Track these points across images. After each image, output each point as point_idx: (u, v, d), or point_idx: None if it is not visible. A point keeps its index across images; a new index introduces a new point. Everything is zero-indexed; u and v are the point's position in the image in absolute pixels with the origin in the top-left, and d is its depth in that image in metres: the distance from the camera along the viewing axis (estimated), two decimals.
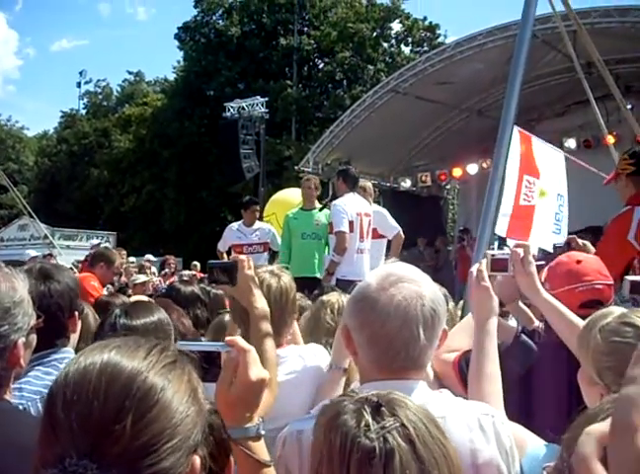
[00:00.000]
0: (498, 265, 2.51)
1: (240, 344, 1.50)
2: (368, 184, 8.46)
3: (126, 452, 1.05)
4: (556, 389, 2.55)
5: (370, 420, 1.35)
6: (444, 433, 1.41)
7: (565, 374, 2.31)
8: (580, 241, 4.85)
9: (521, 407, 2.47)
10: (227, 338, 1.55)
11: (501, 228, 4.49)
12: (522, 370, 2.71)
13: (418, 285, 1.82)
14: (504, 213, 4.48)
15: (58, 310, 2.53)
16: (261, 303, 2.43)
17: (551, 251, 4.89)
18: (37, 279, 2.51)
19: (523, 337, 2.85)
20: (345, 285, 6.97)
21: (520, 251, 2.53)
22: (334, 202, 7.67)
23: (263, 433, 1.51)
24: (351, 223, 7.40)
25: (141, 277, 8.97)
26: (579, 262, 2.85)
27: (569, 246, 4.72)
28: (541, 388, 2.64)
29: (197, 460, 1.18)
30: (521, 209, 4.67)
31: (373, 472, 1.29)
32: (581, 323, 2.30)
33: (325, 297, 3.44)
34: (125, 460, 1.05)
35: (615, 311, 2.03)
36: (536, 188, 4.74)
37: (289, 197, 12.31)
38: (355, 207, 7.49)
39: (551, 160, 4.99)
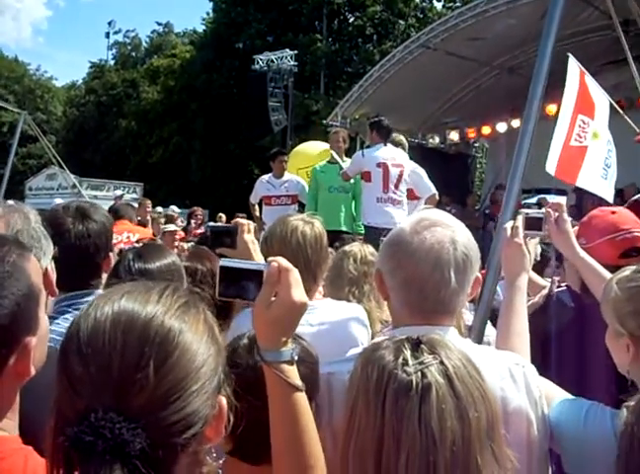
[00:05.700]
0: (532, 224, 2.47)
1: (283, 263, 1.46)
2: (401, 137, 8.23)
3: (152, 401, 1.02)
4: (588, 349, 2.55)
5: (409, 355, 1.36)
6: (483, 376, 1.42)
7: (598, 334, 2.34)
8: (550, 202, 4.80)
9: (553, 365, 2.51)
10: (270, 258, 1.50)
11: (550, 167, 4.42)
12: (556, 329, 2.70)
13: (451, 230, 1.81)
14: (554, 153, 4.40)
15: (96, 251, 2.45)
16: None
17: (610, 201, 4.89)
18: (74, 218, 2.43)
19: (558, 295, 2.84)
20: (371, 232, 7.02)
21: (554, 212, 2.50)
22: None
23: (296, 358, 1.48)
24: (367, 173, 7.36)
25: (171, 226, 9.05)
26: (614, 212, 2.84)
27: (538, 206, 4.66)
28: (574, 347, 2.66)
29: (223, 400, 1.17)
30: (572, 150, 4.55)
31: (409, 404, 1.31)
32: None
33: (347, 247, 3.50)
34: (151, 409, 1.02)
35: (633, 267, 2.06)
36: (590, 129, 4.61)
37: (309, 150, 12.37)
38: (376, 158, 7.38)
39: (602, 103, 4.90)
